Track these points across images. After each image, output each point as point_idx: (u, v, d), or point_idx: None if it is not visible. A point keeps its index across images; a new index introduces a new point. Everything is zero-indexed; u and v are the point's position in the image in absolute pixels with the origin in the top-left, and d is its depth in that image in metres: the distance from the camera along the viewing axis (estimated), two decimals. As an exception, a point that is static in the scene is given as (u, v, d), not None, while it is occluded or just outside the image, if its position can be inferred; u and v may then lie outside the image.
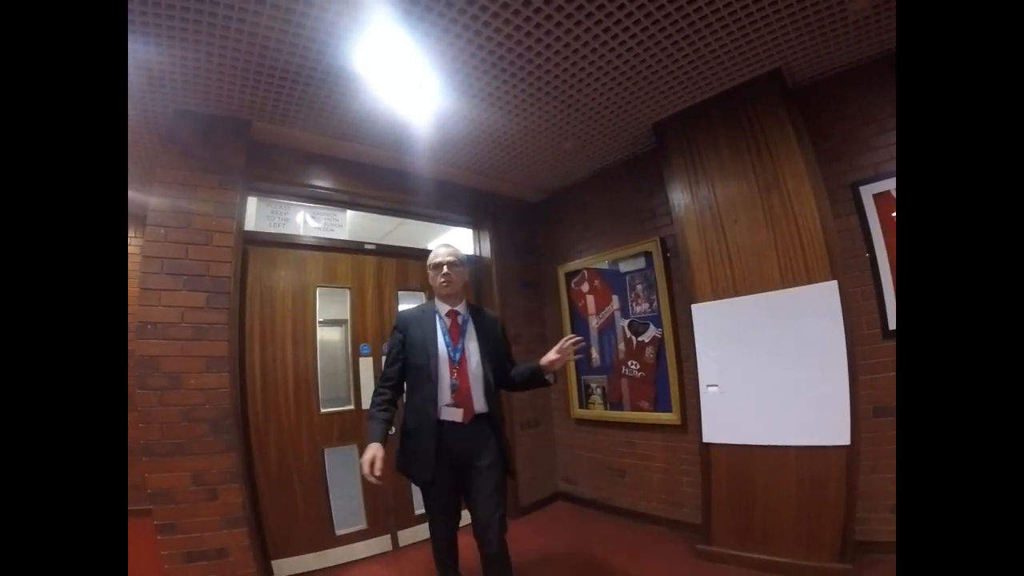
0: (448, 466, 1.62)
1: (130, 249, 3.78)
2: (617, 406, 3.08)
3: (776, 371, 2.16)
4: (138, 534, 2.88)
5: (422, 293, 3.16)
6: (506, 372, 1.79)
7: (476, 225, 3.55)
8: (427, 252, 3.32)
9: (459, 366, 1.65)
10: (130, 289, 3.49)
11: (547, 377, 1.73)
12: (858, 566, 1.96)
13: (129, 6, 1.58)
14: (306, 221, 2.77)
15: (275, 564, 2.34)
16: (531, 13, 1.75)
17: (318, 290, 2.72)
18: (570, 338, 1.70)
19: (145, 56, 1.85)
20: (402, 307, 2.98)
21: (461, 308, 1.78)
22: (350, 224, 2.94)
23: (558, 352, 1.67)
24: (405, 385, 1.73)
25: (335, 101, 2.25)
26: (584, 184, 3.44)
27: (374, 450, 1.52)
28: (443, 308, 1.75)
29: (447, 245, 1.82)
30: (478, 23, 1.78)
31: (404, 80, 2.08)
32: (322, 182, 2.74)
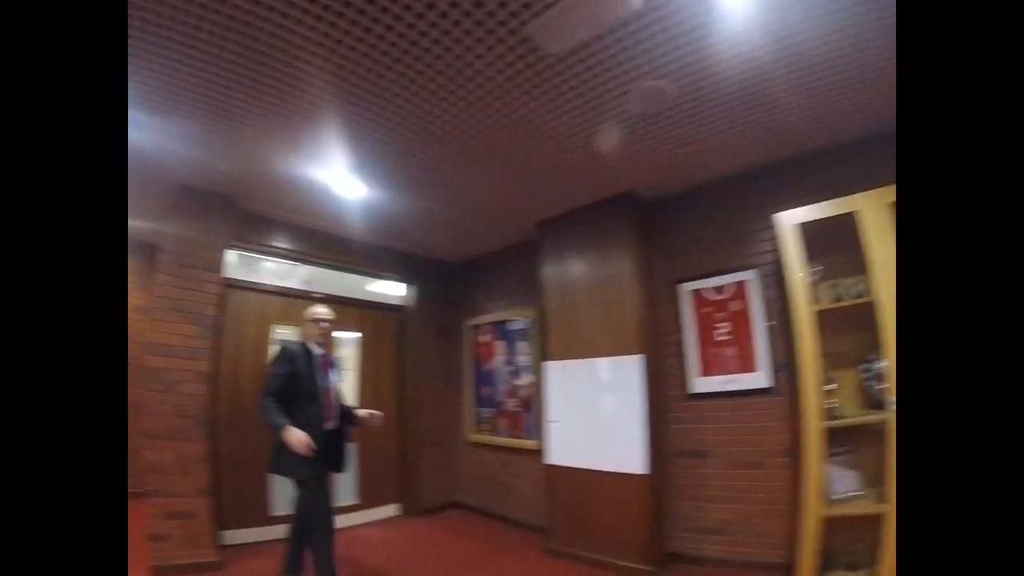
0: (326, 464, 2.29)
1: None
2: (501, 433, 3.97)
3: (598, 415, 2.91)
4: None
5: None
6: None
7: (406, 280, 4.36)
8: (358, 300, 4.04)
9: (331, 391, 2.40)
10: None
11: (357, 422, 2.50)
12: (659, 569, 2.60)
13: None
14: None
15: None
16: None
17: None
18: (377, 414, 2.52)
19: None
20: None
21: (327, 352, 2.52)
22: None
23: (370, 417, 2.50)
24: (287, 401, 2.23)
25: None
26: (494, 255, 4.33)
27: (299, 433, 2.08)
28: (318, 351, 2.42)
29: (324, 306, 2.55)
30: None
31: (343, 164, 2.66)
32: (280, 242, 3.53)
